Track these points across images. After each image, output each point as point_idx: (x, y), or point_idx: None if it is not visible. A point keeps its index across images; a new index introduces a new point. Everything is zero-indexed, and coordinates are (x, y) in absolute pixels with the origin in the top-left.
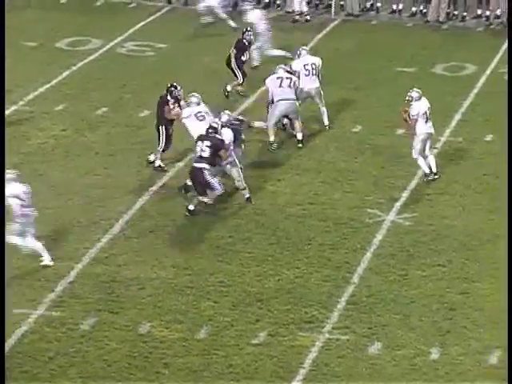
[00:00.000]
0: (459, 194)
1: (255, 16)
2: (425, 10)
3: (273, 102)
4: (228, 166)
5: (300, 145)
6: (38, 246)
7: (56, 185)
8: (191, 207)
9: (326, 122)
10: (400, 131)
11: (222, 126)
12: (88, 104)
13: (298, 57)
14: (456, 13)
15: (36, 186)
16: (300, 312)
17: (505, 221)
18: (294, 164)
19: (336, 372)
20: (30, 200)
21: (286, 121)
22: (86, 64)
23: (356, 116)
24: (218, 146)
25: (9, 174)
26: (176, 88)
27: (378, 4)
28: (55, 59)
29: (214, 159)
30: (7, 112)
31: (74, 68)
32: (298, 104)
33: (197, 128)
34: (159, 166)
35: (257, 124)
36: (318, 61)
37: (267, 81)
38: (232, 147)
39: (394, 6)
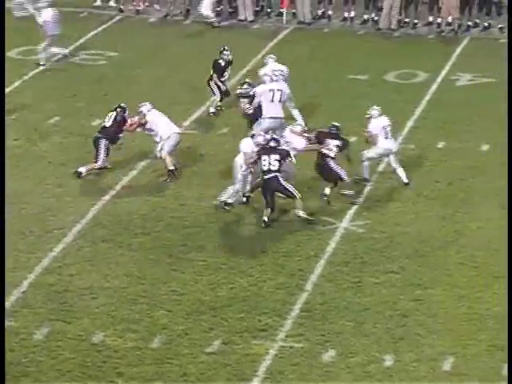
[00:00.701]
0: (411, 201)
1: (48, 15)
2: (376, 18)
3: (258, 113)
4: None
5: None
6: None
7: (8, 194)
8: (265, 218)
9: (302, 123)
10: (353, 138)
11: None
12: (40, 113)
13: (265, 65)
14: (407, 20)
15: None
16: (254, 320)
17: (457, 227)
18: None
19: (290, 380)
20: None
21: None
22: (37, 73)
23: (309, 123)
24: (285, 156)
25: None
26: (123, 109)
27: (330, 12)
28: (6, 68)
29: (281, 168)
30: None
31: (26, 77)
32: (283, 121)
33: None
34: (80, 172)
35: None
36: (285, 68)
37: (259, 91)
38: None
39: (346, 14)
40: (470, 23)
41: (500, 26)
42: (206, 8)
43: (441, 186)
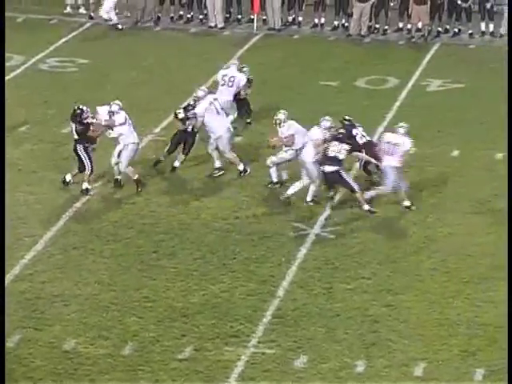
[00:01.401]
0: (383, 207)
1: None
2: (347, 24)
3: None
4: None
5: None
6: None
7: None
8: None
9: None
10: None
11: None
12: (11, 120)
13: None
14: (378, 26)
15: None
16: (225, 326)
17: (428, 232)
18: (218, 179)
19: None
20: None
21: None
22: (8, 80)
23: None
24: (353, 150)
25: None
26: (83, 110)
27: (300, 18)
28: None
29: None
30: None
31: None
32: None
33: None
34: (86, 189)
35: None
36: (242, 77)
37: (199, 112)
38: None
39: (316, 20)
40: (440, 29)
41: (470, 31)
42: (108, 11)
43: (412, 192)
